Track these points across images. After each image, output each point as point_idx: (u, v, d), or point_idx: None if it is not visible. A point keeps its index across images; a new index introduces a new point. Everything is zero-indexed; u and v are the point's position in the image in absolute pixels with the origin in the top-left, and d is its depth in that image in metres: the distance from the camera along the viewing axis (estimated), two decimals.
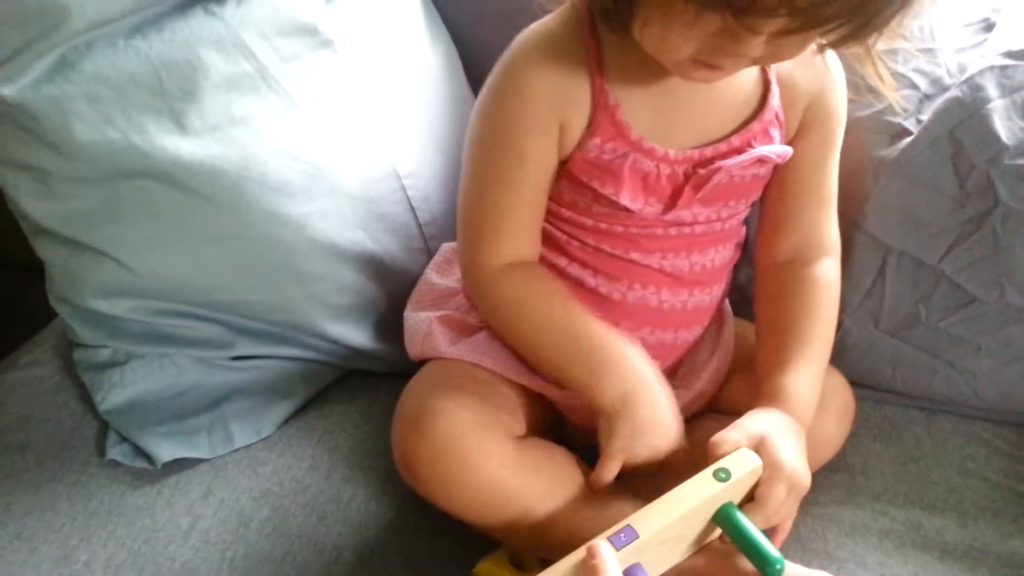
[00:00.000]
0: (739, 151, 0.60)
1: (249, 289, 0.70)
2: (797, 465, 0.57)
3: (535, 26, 0.61)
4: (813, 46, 0.59)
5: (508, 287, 0.61)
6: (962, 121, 0.68)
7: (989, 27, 0.73)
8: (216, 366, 0.73)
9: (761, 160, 0.61)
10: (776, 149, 0.62)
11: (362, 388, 0.77)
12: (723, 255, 0.66)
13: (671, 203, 0.60)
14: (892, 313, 0.74)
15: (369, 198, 0.71)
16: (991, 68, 0.68)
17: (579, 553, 0.52)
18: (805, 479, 0.57)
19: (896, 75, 0.71)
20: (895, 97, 0.66)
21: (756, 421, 0.58)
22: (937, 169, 0.69)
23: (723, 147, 0.60)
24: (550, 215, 0.64)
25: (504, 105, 0.59)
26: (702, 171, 0.59)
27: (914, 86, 0.72)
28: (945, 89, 0.70)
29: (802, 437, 0.59)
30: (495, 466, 0.57)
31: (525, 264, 0.62)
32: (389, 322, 0.76)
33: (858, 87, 0.71)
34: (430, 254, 0.76)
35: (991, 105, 0.67)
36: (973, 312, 0.71)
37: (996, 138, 0.67)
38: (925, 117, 0.69)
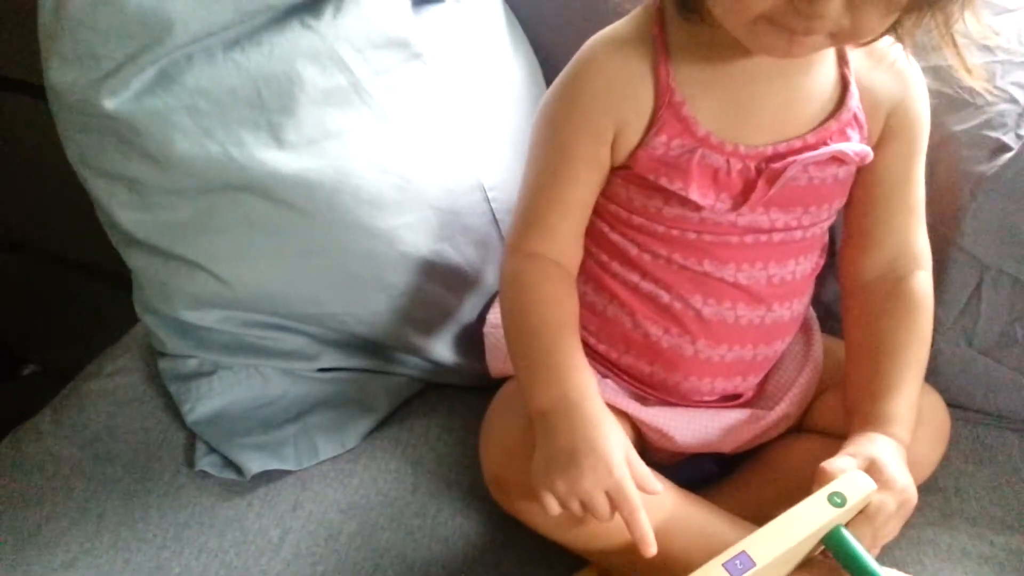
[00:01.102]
0: (814, 148, 0.59)
1: (338, 302, 0.70)
2: (908, 483, 0.56)
3: (607, 28, 0.61)
4: (892, 51, 0.59)
5: (527, 273, 0.61)
6: None
7: None
8: (302, 378, 0.73)
9: (839, 160, 0.60)
10: (854, 147, 0.60)
11: (441, 402, 0.77)
12: (804, 267, 0.65)
13: (742, 198, 0.59)
14: (987, 332, 0.72)
15: (454, 210, 0.71)
16: None
17: None
18: (914, 497, 0.56)
19: (995, 89, 0.70)
20: (981, 84, 0.65)
21: (863, 446, 0.57)
22: None
23: (797, 143, 0.59)
24: (621, 225, 0.63)
25: (562, 104, 0.61)
26: (776, 165, 0.58)
27: (1013, 100, 0.70)
28: None
29: (904, 457, 0.58)
30: None
31: (558, 267, 0.62)
32: (469, 336, 0.76)
33: (952, 100, 0.70)
34: None
35: None
36: None
37: None
38: None
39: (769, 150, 0.59)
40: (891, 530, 0.56)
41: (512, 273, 0.62)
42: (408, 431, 0.74)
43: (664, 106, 0.58)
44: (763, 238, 0.61)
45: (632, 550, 0.57)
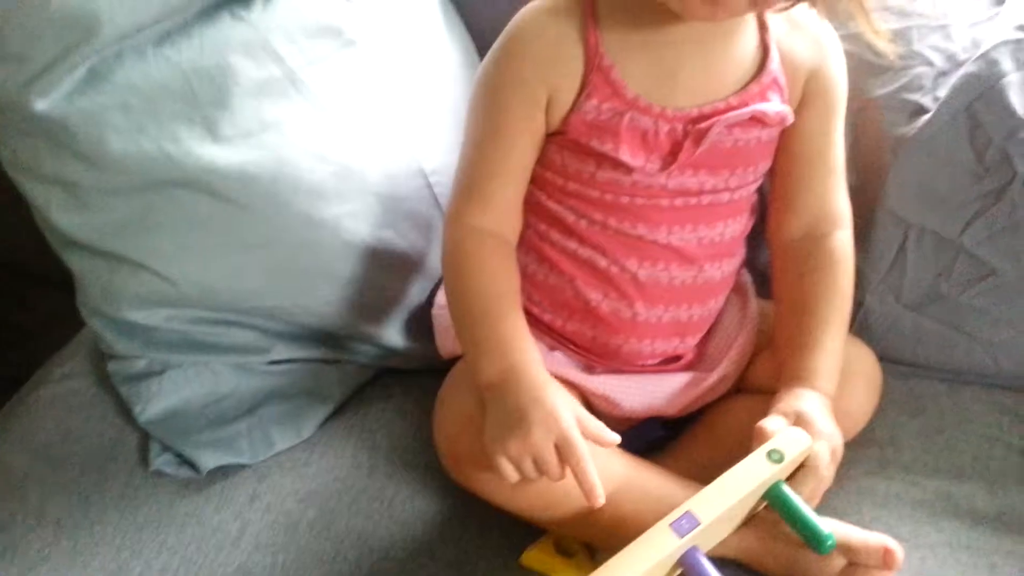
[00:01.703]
0: (737, 110, 0.62)
1: (285, 293, 0.70)
2: (835, 431, 0.59)
3: None
4: (809, 18, 0.64)
5: (466, 244, 0.63)
6: (979, 96, 0.69)
7: (1001, 0, 0.74)
8: (253, 371, 0.74)
9: (761, 121, 0.63)
10: (774, 107, 0.63)
11: (395, 386, 0.78)
12: (733, 229, 0.67)
13: (671, 159, 0.62)
14: (913, 288, 0.75)
15: (396, 196, 0.72)
16: (1005, 42, 0.70)
17: (643, 540, 0.53)
18: (841, 445, 0.60)
19: (911, 53, 0.73)
20: (891, 48, 0.68)
21: (790, 402, 0.60)
22: (955, 144, 0.70)
23: (721, 105, 0.62)
24: (558, 192, 0.65)
25: (496, 72, 0.63)
26: (701, 126, 0.61)
27: (929, 63, 0.73)
28: (960, 64, 0.71)
29: (830, 409, 0.62)
30: None
31: (496, 239, 0.64)
32: (419, 319, 0.77)
33: (872, 65, 0.73)
34: None
35: (1007, 79, 0.69)
36: (993, 284, 0.73)
37: (1013, 112, 0.68)
38: (942, 93, 0.71)
39: (694, 112, 0.61)
40: (828, 477, 0.59)
41: (453, 246, 0.64)
42: (363, 417, 0.75)
43: (594, 70, 0.60)
44: (692, 201, 0.64)
45: (585, 516, 0.59)
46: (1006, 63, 0.69)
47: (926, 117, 0.71)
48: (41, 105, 0.61)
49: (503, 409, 0.57)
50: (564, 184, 0.64)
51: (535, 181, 0.65)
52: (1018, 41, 0.69)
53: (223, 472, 0.69)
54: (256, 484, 0.69)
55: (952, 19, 0.73)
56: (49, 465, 0.70)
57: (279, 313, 0.71)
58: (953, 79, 0.71)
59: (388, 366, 0.78)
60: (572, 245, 0.65)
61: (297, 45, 0.66)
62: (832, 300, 0.65)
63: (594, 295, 0.65)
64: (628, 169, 0.61)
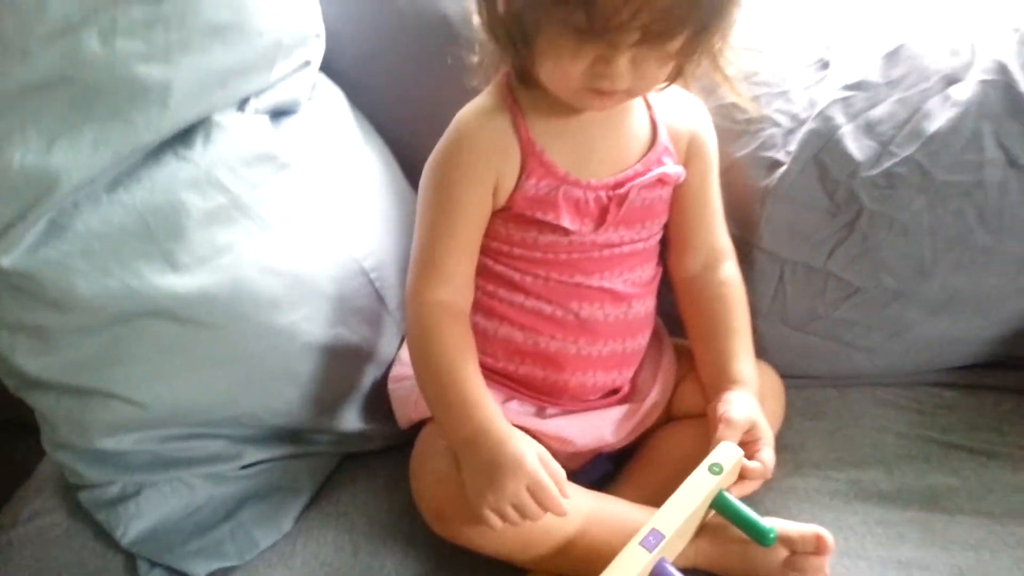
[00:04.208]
0: (643, 175, 0.75)
1: (252, 400, 0.75)
2: (766, 423, 0.72)
3: (470, 103, 0.75)
4: (682, 94, 0.77)
5: (429, 319, 0.72)
6: (822, 147, 0.83)
7: (825, 65, 0.88)
8: (226, 478, 0.78)
9: (662, 180, 0.76)
10: (672, 169, 0.76)
11: (359, 469, 0.84)
12: (648, 271, 0.80)
13: (600, 220, 0.74)
14: (795, 312, 0.88)
15: (343, 296, 0.78)
16: (835, 100, 0.84)
17: (619, 560, 0.61)
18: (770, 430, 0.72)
19: (762, 117, 0.86)
20: (747, 103, 0.82)
21: (735, 407, 0.71)
22: (809, 189, 0.83)
23: (631, 173, 0.75)
24: (504, 257, 0.76)
25: (447, 162, 0.73)
26: (620, 191, 0.73)
27: (777, 124, 0.86)
28: (803, 122, 0.85)
29: (758, 404, 0.74)
30: None
31: (454, 310, 0.73)
32: (374, 402, 0.83)
33: (732, 132, 0.86)
34: (400, 333, 0.84)
35: (842, 131, 0.83)
36: (859, 299, 0.86)
37: (851, 157, 0.82)
38: (792, 148, 0.84)
39: (612, 180, 0.73)
40: (772, 458, 0.70)
41: (416, 320, 0.72)
42: (336, 503, 0.80)
43: (529, 155, 0.71)
44: (616, 251, 0.76)
45: (562, 550, 0.68)
46: (839, 117, 0.84)
47: (782, 169, 0.84)
48: (6, 261, 0.65)
49: (476, 465, 0.65)
50: (510, 250, 0.75)
51: (482, 251, 0.75)
52: (845, 98, 0.84)
53: None
54: None
55: (790, 84, 0.87)
56: None
57: (247, 420, 0.76)
58: (799, 135, 0.84)
59: (350, 451, 0.84)
60: (519, 298, 0.76)
61: (237, 174, 0.72)
62: (738, 316, 0.79)
63: (543, 338, 0.76)
64: (566, 232, 0.73)
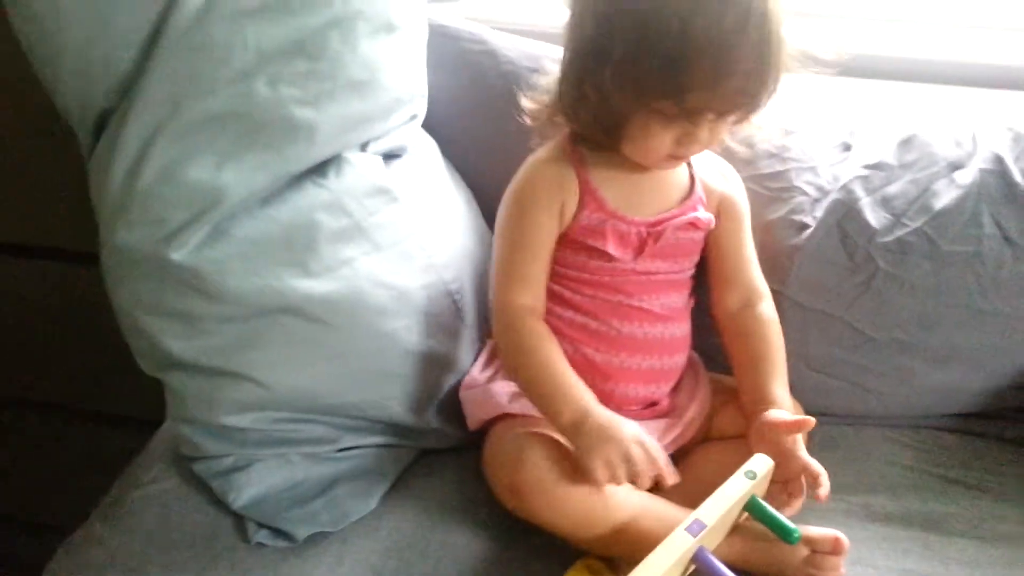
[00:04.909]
0: (679, 217, 0.90)
1: (356, 393, 0.88)
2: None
3: (535, 153, 0.92)
4: (716, 158, 0.95)
5: (519, 320, 0.87)
6: (844, 214, 0.98)
7: (848, 147, 1.04)
8: (324, 459, 0.91)
9: (693, 224, 0.91)
10: (703, 215, 0.92)
11: (434, 463, 0.96)
12: (680, 299, 0.94)
13: (639, 251, 0.89)
14: (816, 355, 1.00)
15: (433, 312, 0.92)
16: (857, 177, 0.99)
17: (667, 543, 0.73)
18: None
19: (793, 187, 1.01)
20: (777, 137, 1.00)
21: (776, 414, 0.85)
22: (833, 249, 0.98)
23: (667, 216, 0.90)
24: (559, 278, 0.91)
25: (523, 192, 0.90)
26: (657, 228, 0.89)
27: (805, 193, 1.01)
28: (828, 193, 1.00)
29: None
30: (582, 481, 0.78)
31: (537, 313, 0.88)
32: (451, 405, 0.96)
33: (765, 197, 1.01)
34: (477, 348, 0.99)
35: (861, 202, 0.98)
36: (871, 347, 0.99)
37: (869, 225, 0.97)
38: (819, 214, 0.99)
39: (652, 219, 0.89)
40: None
41: (509, 324, 0.87)
42: (414, 487, 0.92)
43: (586, 192, 0.88)
44: (652, 278, 0.91)
45: (616, 533, 0.79)
46: (859, 191, 0.99)
47: (809, 231, 0.99)
48: (176, 256, 0.79)
49: (590, 434, 0.77)
50: (564, 271, 0.91)
51: None
52: (865, 176, 0.99)
53: (312, 540, 0.85)
54: (341, 546, 0.84)
55: (818, 161, 1.03)
56: (161, 549, 0.84)
57: (349, 409, 0.90)
58: (825, 203, 0.99)
59: (427, 447, 0.97)
60: (569, 314, 0.91)
61: (360, 202, 0.87)
62: (776, 349, 0.92)
63: (589, 349, 0.90)
64: (610, 258, 0.88)
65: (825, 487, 0.80)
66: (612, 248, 0.88)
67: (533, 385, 0.85)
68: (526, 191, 0.90)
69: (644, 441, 0.78)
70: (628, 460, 0.77)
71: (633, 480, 0.77)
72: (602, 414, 0.79)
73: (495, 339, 0.93)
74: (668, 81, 0.76)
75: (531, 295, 0.88)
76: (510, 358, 0.88)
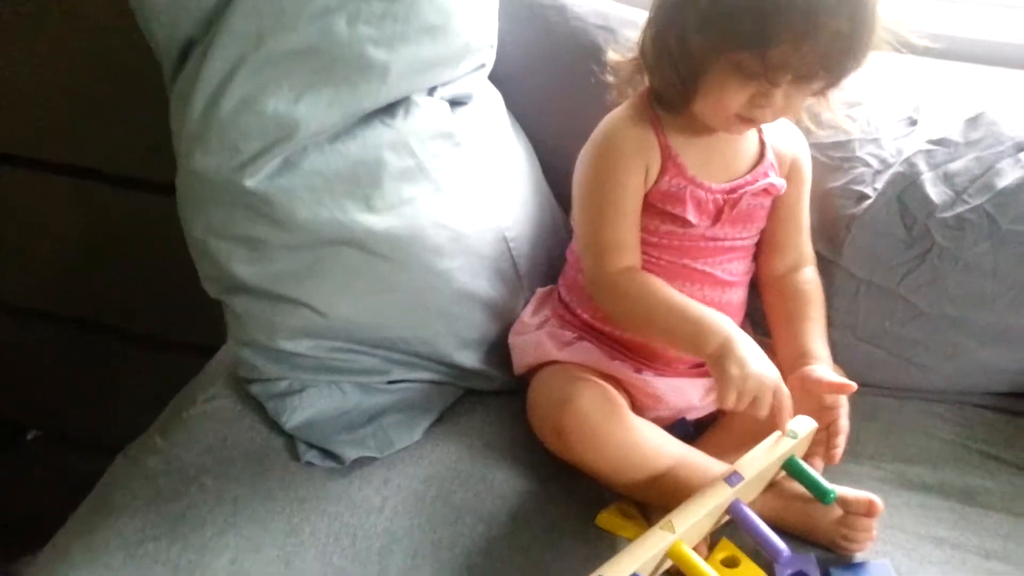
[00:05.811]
0: (753, 184, 0.91)
1: (408, 327, 0.92)
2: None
3: (614, 112, 0.91)
4: (789, 126, 0.94)
5: (628, 285, 0.88)
6: (905, 188, 0.97)
7: (913, 122, 1.03)
8: (374, 389, 0.94)
9: (767, 191, 0.91)
10: (776, 180, 0.92)
11: (477, 404, 0.99)
12: (743, 265, 0.95)
13: (716, 218, 0.90)
14: (865, 325, 1.01)
15: (489, 256, 0.95)
16: (920, 151, 0.99)
17: (705, 491, 0.75)
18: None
19: (855, 157, 1.01)
20: (844, 124, 0.97)
21: (819, 371, 0.87)
22: (890, 222, 0.98)
23: (741, 182, 0.90)
24: None
25: (606, 155, 0.89)
26: (734, 195, 0.89)
27: (867, 164, 1.01)
28: (890, 166, 0.99)
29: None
30: (626, 427, 0.81)
31: (635, 268, 0.89)
32: (498, 349, 0.99)
33: (828, 166, 1.01)
34: (526, 297, 1.00)
35: (923, 177, 0.97)
36: (922, 322, 0.99)
37: (929, 200, 0.96)
38: (879, 186, 0.98)
39: (727, 186, 0.90)
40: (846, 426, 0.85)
41: (623, 292, 0.87)
42: (457, 425, 0.96)
43: (667, 157, 0.88)
44: (720, 244, 0.92)
45: (652, 480, 0.82)
46: (922, 165, 0.98)
47: (868, 202, 0.99)
48: (250, 183, 0.83)
49: (732, 360, 0.78)
50: None
51: None
52: (929, 151, 0.98)
53: (358, 463, 0.89)
54: (386, 471, 0.88)
55: (882, 134, 1.02)
56: (216, 462, 0.88)
57: (400, 344, 0.93)
58: (886, 176, 0.99)
59: (472, 387, 1.00)
60: None
61: (424, 144, 0.90)
62: (817, 308, 0.94)
63: None
64: (684, 223, 0.88)
65: (840, 446, 0.83)
66: (691, 215, 0.88)
67: (669, 331, 0.85)
68: (612, 153, 0.88)
69: (780, 389, 0.78)
70: (757, 391, 0.77)
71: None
72: (743, 344, 0.79)
73: (606, 311, 0.92)
74: (754, 28, 0.75)
75: (630, 257, 0.88)
76: (637, 319, 0.88)
